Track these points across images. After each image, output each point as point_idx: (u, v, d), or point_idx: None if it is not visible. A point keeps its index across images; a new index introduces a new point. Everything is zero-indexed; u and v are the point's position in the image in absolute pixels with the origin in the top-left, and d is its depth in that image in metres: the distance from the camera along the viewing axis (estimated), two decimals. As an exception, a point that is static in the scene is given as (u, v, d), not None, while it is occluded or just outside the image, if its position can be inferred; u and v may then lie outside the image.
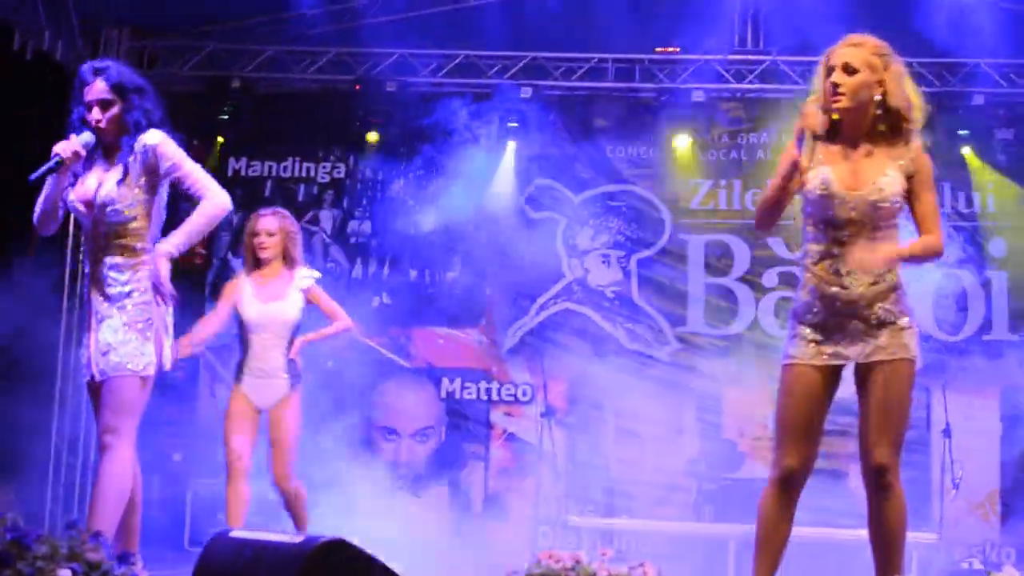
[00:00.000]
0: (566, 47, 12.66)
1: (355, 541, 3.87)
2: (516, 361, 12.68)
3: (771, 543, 5.06)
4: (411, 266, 12.92)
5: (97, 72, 5.67)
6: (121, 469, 5.41)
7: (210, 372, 12.72)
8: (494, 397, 12.67)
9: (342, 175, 13.20)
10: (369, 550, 3.94)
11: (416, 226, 12.99)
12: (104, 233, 5.55)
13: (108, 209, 5.51)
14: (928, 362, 11.71)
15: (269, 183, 13.17)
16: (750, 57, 12.54)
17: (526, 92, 12.56)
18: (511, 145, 12.84)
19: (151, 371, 5.47)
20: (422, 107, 12.71)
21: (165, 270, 5.47)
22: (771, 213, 5.10)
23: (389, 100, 12.66)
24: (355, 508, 12.22)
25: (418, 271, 12.94)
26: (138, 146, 5.50)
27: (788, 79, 12.11)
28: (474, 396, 12.67)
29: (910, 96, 5.06)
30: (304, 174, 13.20)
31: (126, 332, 5.43)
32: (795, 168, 4.99)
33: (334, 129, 12.86)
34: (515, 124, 12.73)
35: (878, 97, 5.00)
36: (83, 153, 5.57)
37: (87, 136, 5.60)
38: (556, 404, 12.40)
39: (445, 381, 12.72)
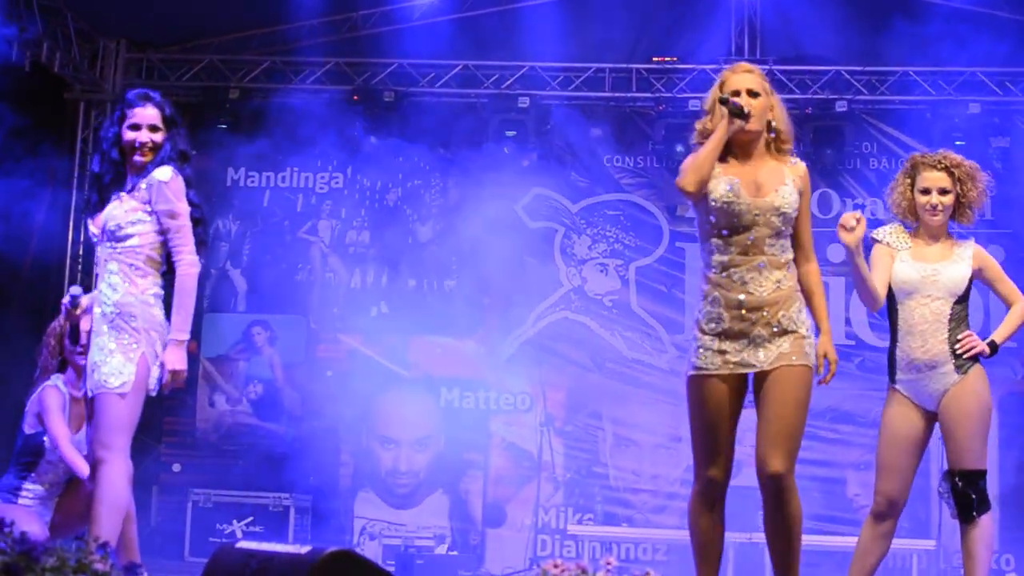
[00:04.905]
0: (563, 57, 12.69)
1: (361, 552, 3.90)
2: (514, 370, 12.66)
3: (710, 552, 5.29)
4: (409, 275, 12.93)
5: (147, 99, 5.86)
6: (116, 482, 5.49)
7: (208, 383, 12.74)
8: (493, 406, 12.66)
9: (340, 185, 13.22)
10: (374, 560, 3.96)
11: (414, 236, 13.02)
12: (107, 251, 5.70)
13: (110, 225, 5.66)
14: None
15: (267, 193, 13.19)
16: (747, 66, 12.55)
17: (523, 102, 12.60)
18: (508, 154, 12.83)
19: (127, 389, 5.51)
20: (420, 117, 12.73)
21: (182, 359, 5.65)
22: (705, 177, 5.14)
23: (387, 110, 12.68)
24: (355, 517, 12.29)
25: (416, 280, 12.95)
26: (150, 177, 5.68)
27: (784, 88, 12.12)
28: (473, 405, 12.67)
29: (788, 120, 5.36)
30: (302, 184, 13.22)
31: (111, 352, 5.54)
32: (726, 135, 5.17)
33: (332, 139, 12.84)
34: (512, 133, 12.74)
35: (771, 121, 5.26)
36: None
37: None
38: (555, 413, 12.43)
39: (444, 390, 12.71)
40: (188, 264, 5.67)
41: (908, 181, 6.31)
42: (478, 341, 12.79)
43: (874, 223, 6.13)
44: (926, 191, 6.20)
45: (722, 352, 5.09)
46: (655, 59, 12.85)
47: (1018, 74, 12.29)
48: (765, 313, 5.06)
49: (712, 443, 5.19)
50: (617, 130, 13.01)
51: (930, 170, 6.22)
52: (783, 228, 5.14)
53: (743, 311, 5.07)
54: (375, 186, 13.18)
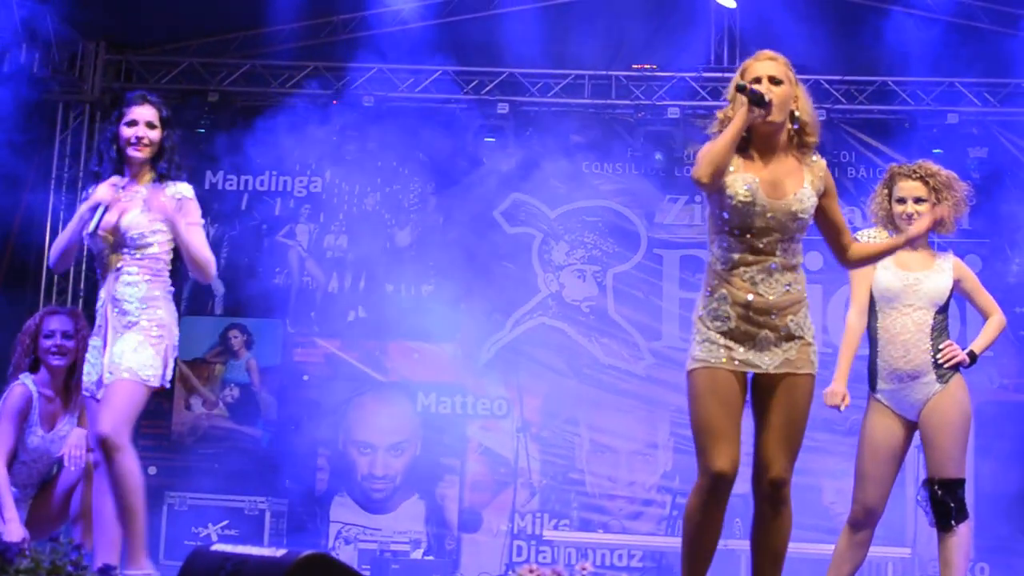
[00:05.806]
0: (543, 63, 12.68)
1: (336, 556, 3.89)
2: (492, 375, 12.66)
3: (701, 557, 5.16)
4: (387, 280, 12.91)
5: (144, 99, 6.13)
6: (136, 467, 5.74)
7: (184, 386, 12.70)
8: (469, 411, 12.64)
9: (319, 189, 13.20)
10: (349, 563, 3.96)
11: (392, 240, 13.01)
12: (124, 255, 5.93)
13: (132, 233, 5.91)
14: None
15: (246, 196, 13.17)
16: (725, 75, 12.55)
17: (503, 108, 12.58)
18: (487, 160, 12.84)
19: (155, 383, 5.82)
20: (399, 122, 12.71)
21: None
22: (721, 169, 4.96)
23: (366, 114, 12.66)
24: (331, 522, 12.26)
25: (394, 285, 12.93)
26: (172, 190, 6.02)
27: (763, 96, 12.13)
28: (449, 410, 12.65)
29: (813, 112, 5.25)
30: (281, 187, 13.20)
31: (141, 345, 5.78)
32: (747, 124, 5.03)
33: (311, 143, 12.81)
34: (492, 139, 12.74)
35: (795, 112, 5.15)
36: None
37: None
38: (531, 419, 12.42)
39: (421, 395, 12.68)
40: (212, 260, 6.27)
41: (886, 191, 6.39)
42: (455, 346, 12.77)
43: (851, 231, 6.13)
44: (902, 200, 6.27)
45: (728, 348, 5.00)
46: (635, 66, 12.85)
47: (996, 85, 12.35)
48: (772, 316, 5.00)
49: (720, 431, 4.93)
50: (596, 137, 13.00)
51: (906, 180, 6.30)
52: (797, 232, 5.06)
53: (750, 312, 4.99)
54: (353, 190, 13.16)
